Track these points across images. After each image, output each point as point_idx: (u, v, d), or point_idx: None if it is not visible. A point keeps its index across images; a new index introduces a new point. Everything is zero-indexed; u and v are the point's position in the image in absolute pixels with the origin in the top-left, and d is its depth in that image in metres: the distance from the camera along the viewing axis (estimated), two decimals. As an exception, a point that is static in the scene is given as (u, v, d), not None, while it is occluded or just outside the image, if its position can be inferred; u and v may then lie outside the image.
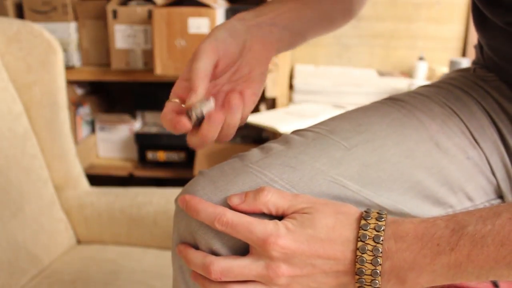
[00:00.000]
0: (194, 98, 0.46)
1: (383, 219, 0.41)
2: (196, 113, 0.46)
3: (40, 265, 0.93)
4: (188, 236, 0.46)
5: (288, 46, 0.58)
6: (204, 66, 0.47)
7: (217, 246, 0.44)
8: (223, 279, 0.42)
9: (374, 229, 0.40)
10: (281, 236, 0.40)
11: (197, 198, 0.44)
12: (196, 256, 0.44)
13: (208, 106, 0.46)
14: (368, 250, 0.40)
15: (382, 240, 0.40)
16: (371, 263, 0.40)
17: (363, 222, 0.41)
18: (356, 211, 0.43)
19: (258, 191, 0.43)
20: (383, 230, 0.40)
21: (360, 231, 0.41)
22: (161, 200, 1.04)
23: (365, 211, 0.42)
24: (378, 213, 0.42)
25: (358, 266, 0.40)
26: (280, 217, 0.43)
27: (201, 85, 0.46)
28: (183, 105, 0.48)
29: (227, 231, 0.42)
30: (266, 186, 0.43)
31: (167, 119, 0.47)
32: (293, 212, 0.43)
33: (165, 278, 0.89)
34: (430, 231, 0.40)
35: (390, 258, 0.40)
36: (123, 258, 0.99)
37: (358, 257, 0.40)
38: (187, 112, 0.46)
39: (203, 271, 0.43)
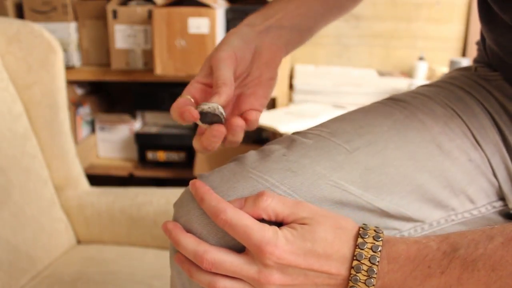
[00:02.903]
0: (216, 100, 0.47)
1: (380, 239, 0.41)
2: (209, 108, 0.46)
3: (40, 265, 0.93)
4: None
5: (298, 45, 0.59)
6: (228, 74, 0.48)
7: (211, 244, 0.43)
8: (213, 270, 0.42)
9: (371, 249, 0.40)
10: (279, 246, 0.40)
11: (206, 187, 0.44)
12: (189, 241, 0.43)
13: (219, 111, 0.47)
14: (363, 270, 0.39)
15: (378, 262, 0.40)
16: (364, 283, 0.39)
17: (360, 240, 0.41)
18: (354, 226, 0.42)
19: (258, 196, 0.42)
20: (379, 251, 0.40)
21: (356, 250, 0.40)
22: (161, 200, 1.04)
23: (362, 228, 0.42)
24: (375, 231, 0.41)
25: (351, 284, 0.40)
26: (279, 223, 0.43)
27: (226, 92, 0.47)
28: (195, 107, 0.48)
29: (225, 229, 0.42)
30: (267, 191, 0.43)
31: (176, 108, 0.47)
32: (293, 221, 0.42)
33: (165, 278, 0.88)
34: (422, 253, 0.39)
35: (382, 278, 0.40)
36: (123, 258, 0.99)
37: (352, 276, 0.40)
38: (198, 107, 0.47)
39: (195, 258, 0.42)
